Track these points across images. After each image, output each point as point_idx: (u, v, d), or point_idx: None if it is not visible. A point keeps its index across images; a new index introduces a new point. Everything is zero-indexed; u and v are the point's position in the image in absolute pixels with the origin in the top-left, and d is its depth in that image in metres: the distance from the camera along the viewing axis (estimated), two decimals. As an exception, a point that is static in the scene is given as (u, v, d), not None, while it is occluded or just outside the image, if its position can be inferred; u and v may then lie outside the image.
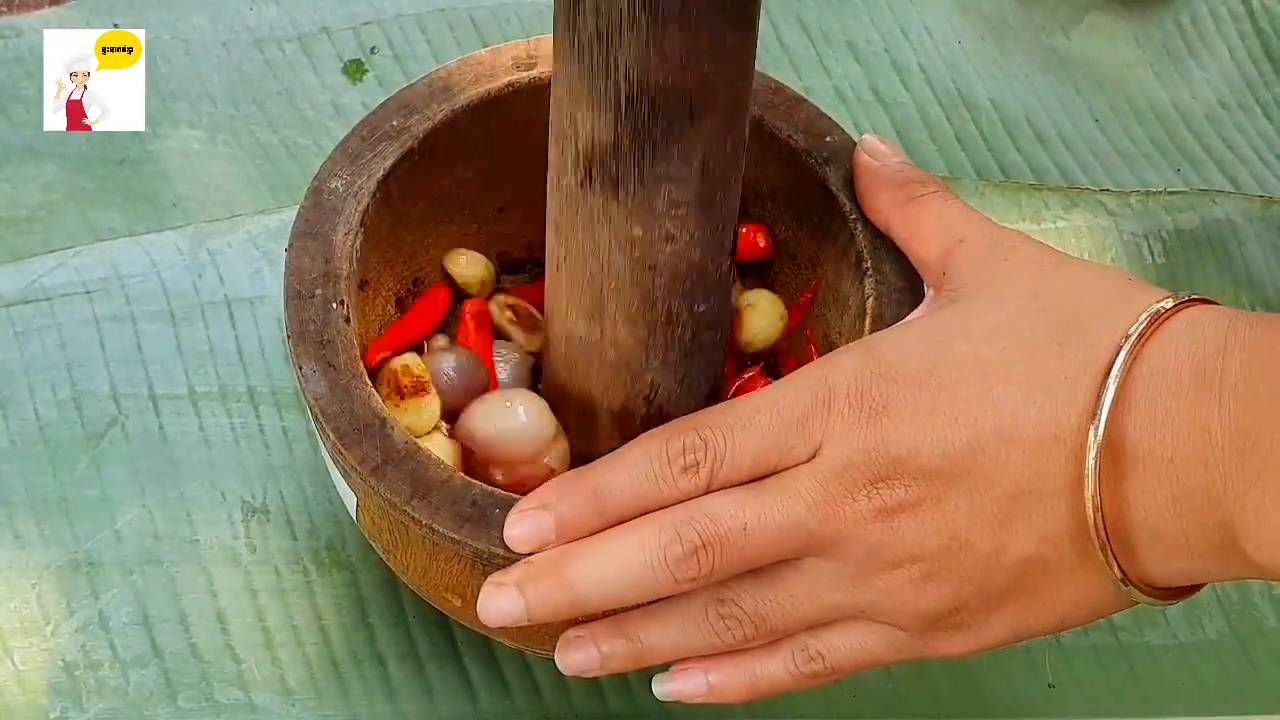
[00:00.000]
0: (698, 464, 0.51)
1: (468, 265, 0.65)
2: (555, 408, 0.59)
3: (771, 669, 0.54)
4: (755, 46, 0.51)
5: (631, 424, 0.58)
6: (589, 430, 0.59)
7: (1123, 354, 0.49)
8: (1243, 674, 0.71)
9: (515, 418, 0.58)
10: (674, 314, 0.55)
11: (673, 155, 0.50)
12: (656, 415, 0.58)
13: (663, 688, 0.56)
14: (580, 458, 0.58)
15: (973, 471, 0.50)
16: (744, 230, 0.65)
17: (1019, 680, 0.69)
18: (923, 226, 0.57)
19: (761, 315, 0.64)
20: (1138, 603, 0.51)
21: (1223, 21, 0.91)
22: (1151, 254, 0.81)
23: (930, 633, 0.53)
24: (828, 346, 0.62)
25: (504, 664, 0.67)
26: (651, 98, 0.49)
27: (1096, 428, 0.48)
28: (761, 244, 0.65)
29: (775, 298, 0.65)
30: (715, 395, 0.60)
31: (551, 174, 0.53)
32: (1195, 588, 0.52)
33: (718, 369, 0.59)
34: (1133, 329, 0.49)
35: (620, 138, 0.50)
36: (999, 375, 0.50)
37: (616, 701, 0.67)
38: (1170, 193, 0.83)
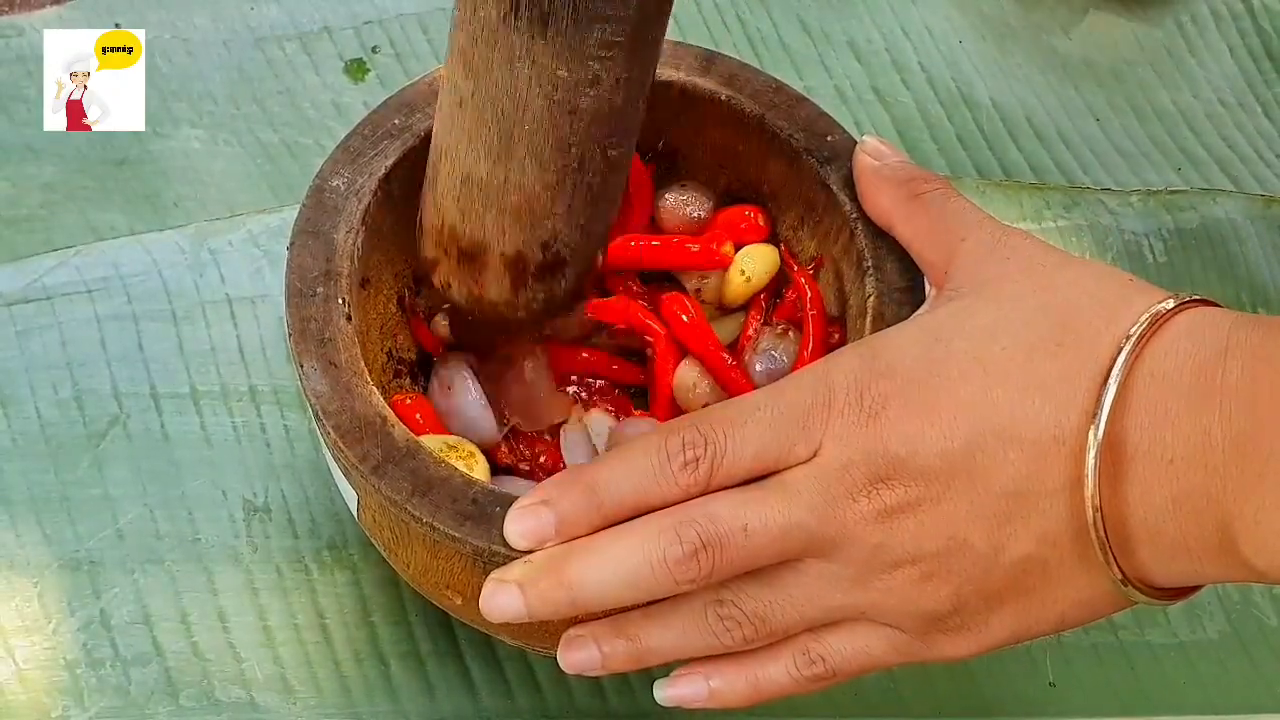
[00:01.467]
0: (698, 460, 0.51)
1: None
2: (441, 249, 0.57)
3: (772, 672, 0.54)
4: None
5: (525, 270, 0.56)
6: (477, 274, 0.57)
7: (1123, 354, 0.49)
8: (1243, 673, 0.71)
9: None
10: (587, 159, 0.52)
11: None
12: (553, 262, 0.56)
13: (664, 692, 0.56)
14: (468, 301, 0.57)
15: (971, 471, 0.50)
16: (744, 212, 0.64)
17: (1020, 679, 0.69)
18: (925, 225, 0.57)
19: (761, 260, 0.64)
20: (1137, 603, 0.51)
21: (1223, 21, 0.91)
22: (1152, 253, 0.81)
23: (931, 634, 0.53)
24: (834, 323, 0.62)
25: (505, 662, 0.67)
26: None
27: (1097, 428, 0.48)
28: (761, 223, 0.64)
29: (769, 247, 0.64)
30: (609, 231, 0.58)
31: (465, 1, 0.50)
32: (1195, 589, 0.52)
33: (616, 212, 0.56)
34: (1133, 330, 0.49)
35: None
36: (998, 375, 0.50)
37: (617, 700, 0.67)
38: (1171, 192, 0.83)
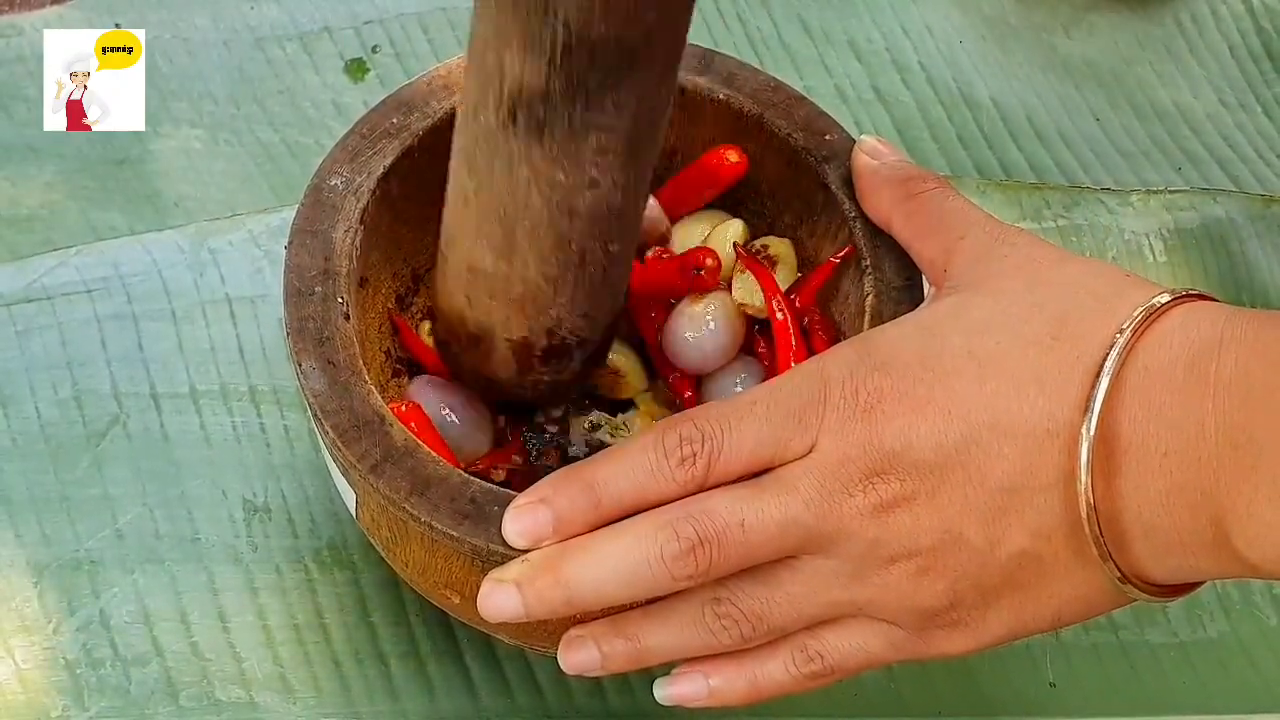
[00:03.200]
0: (695, 455, 0.51)
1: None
2: (448, 331, 0.58)
3: (771, 670, 0.54)
4: None
5: (530, 353, 0.57)
6: (485, 357, 0.58)
7: (1116, 348, 0.49)
8: (1244, 673, 0.71)
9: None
10: (587, 255, 0.53)
11: (606, 105, 0.48)
12: (560, 347, 0.57)
13: (664, 691, 0.56)
14: (475, 380, 0.58)
15: (966, 465, 0.50)
16: (722, 152, 0.63)
17: (1020, 679, 0.69)
18: (924, 224, 0.57)
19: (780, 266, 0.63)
20: (1135, 600, 0.51)
21: (1223, 20, 0.91)
22: (1152, 252, 0.81)
23: (928, 630, 0.53)
24: (836, 337, 0.62)
25: (505, 662, 0.67)
26: (591, 49, 0.46)
27: (1089, 421, 0.48)
28: (734, 159, 0.63)
29: (787, 243, 0.63)
30: (619, 319, 0.58)
31: (467, 104, 0.50)
32: (1192, 586, 0.52)
33: (621, 300, 0.57)
34: (1127, 323, 0.49)
35: (551, 86, 0.47)
36: (993, 368, 0.50)
37: (617, 700, 0.67)
38: (1171, 191, 0.83)
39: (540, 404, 0.62)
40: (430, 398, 0.61)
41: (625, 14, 0.45)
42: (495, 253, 0.53)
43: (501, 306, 0.55)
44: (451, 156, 0.53)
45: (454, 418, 0.61)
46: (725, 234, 0.63)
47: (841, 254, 0.61)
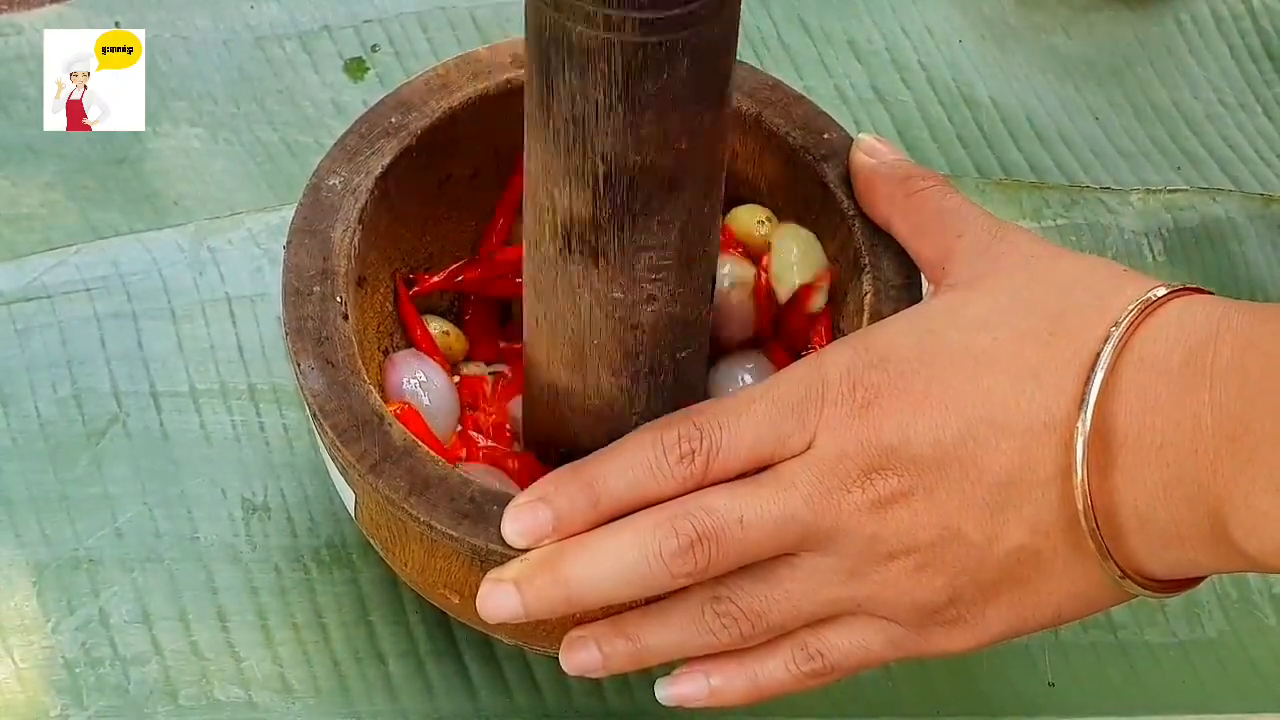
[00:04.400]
0: (694, 453, 0.51)
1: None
2: (539, 450, 0.60)
3: (771, 669, 0.54)
4: (730, 116, 0.52)
5: None
6: None
7: (1111, 341, 0.49)
8: (1243, 673, 0.71)
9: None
10: (656, 365, 0.55)
11: (652, 226, 0.50)
12: None
13: (664, 691, 0.56)
14: None
15: (964, 460, 0.50)
16: None
17: (1019, 678, 0.69)
18: (922, 222, 0.57)
19: (799, 254, 0.62)
20: (1134, 596, 0.51)
21: (1223, 20, 0.91)
22: (1152, 252, 0.81)
23: (927, 627, 0.53)
24: (834, 336, 0.62)
25: (504, 662, 0.67)
26: (630, 177, 0.49)
27: (1084, 415, 0.48)
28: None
29: (810, 235, 0.63)
30: None
31: (528, 238, 0.53)
32: (1192, 581, 0.52)
33: (698, 394, 0.59)
34: (1122, 317, 0.49)
35: (599, 213, 0.50)
36: (989, 364, 0.50)
37: (616, 699, 0.67)
38: (1171, 191, 0.83)
39: None
40: (405, 371, 0.61)
41: (657, 144, 0.48)
42: (569, 369, 0.55)
43: (581, 419, 0.57)
44: (523, 283, 0.56)
45: (427, 398, 0.61)
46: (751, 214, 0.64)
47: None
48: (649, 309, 0.53)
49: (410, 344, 0.63)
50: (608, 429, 0.56)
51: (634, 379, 0.55)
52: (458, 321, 0.65)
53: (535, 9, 0.47)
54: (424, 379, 0.61)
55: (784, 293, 0.62)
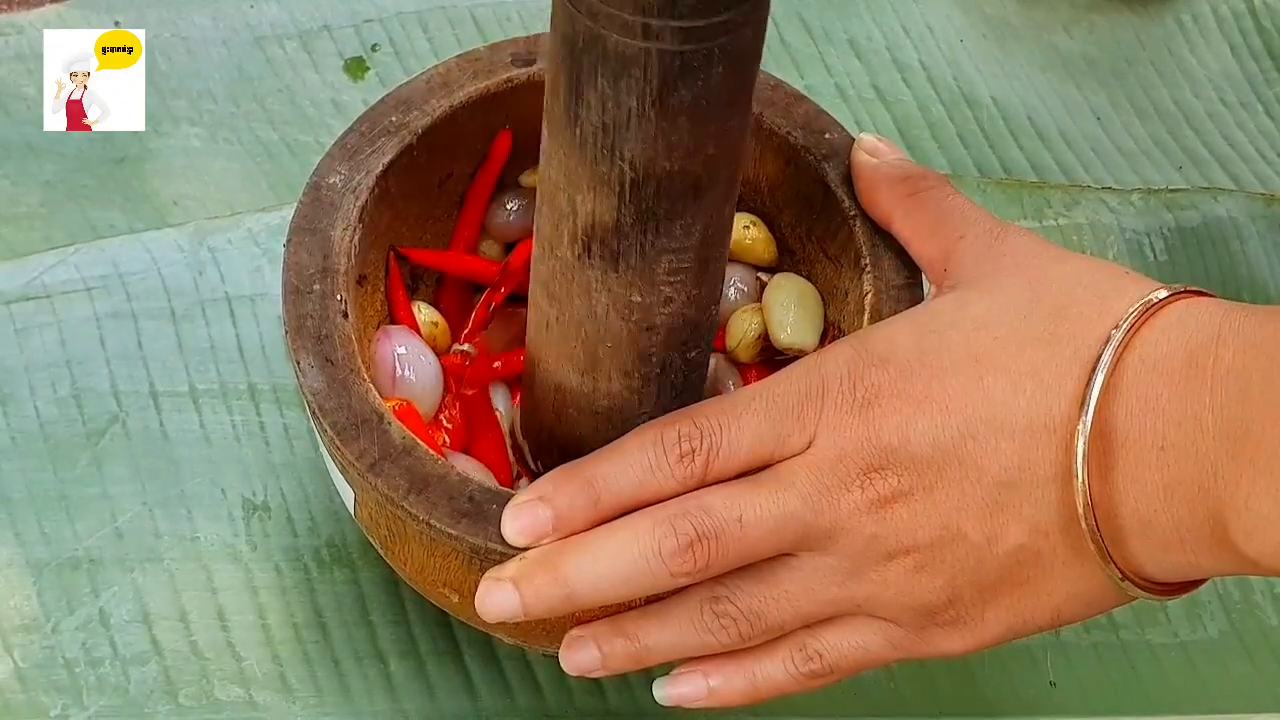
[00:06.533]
0: (694, 452, 0.51)
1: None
2: (539, 450, 0.60)
3: (770, 670, 0.54)
4: (751, 118, 0.51)
5: None
6: None
7: (1113, 342, 0.49)
8: (1244, 673, 0.71)
9: None
10: (668, 365, 0.55)
11: (675, 231, 0.50)
12: None
13: (663, 692, 0.56)
14: None
15: (963, 460, 0.50)
16: None
17: (1020, 678, 0.69)
18: (924, 222, 0.57)
19: (796, 309, 0.62)
20: (1134, 598, 0.51)
21: (1224, 19, 0.91)
22: (1153, 251, 0.81)
23: (927, 628, 0.53)
24: (834, 336, 0.62)
25: (505, 662, 0.67)
26: (657, 183, 0.48)
27: (1085, 416, 0.48)
28: None
29: (808, 285, 0.63)
30: None
31: (543, 242, 0.53)
32: (1192, 584, 0.52)
33: (700, 394, 0.58)
34: (1124, 319, 0.49)
35: (623, 219, 0.49)
36: (989, 364, 0.50)
37: (617, 699, 0.67)
38: (1172, 190, 0.83)
39: None
40: (389, 346, 0.60)
41: (687, 150, 0.47)
42: (579, 371, 0.55)
43: (589, 419, 0.56)
44: (530, 284, 0.55)
45: (411, 373, 0.60)
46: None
47: None
48: (665, 311, 0.52)
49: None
50: (616, 429, 0.56)
51: (645, 380, 0.55)
52: (433, 302, 0.65)
53: (567, 16, 0.46)
54: (413, 353, 0.61)
55: (778, 344, 0.62)
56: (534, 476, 0.60)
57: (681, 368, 0.55)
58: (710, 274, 0.53)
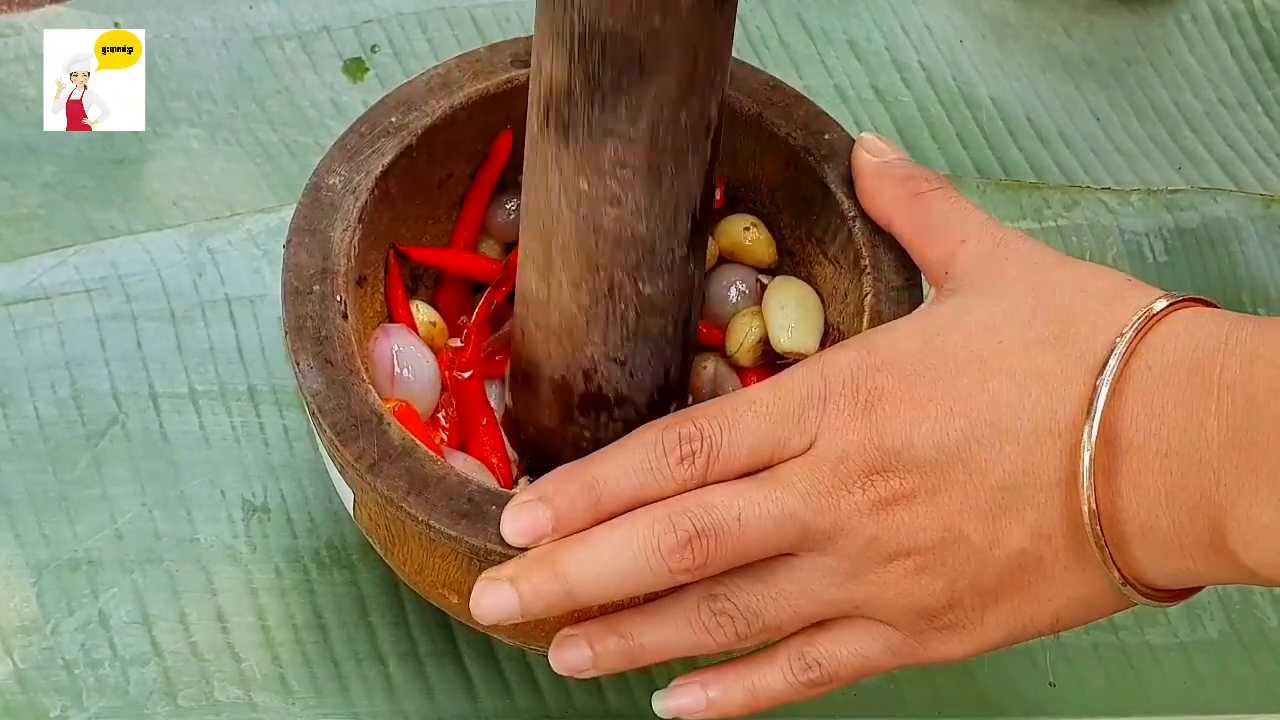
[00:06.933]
0: (694, 454, 0.51)
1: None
2: (514, 371, 0.60)
3: (769, 679, 0.54)
4: (722, 27, 0.52)
5: (570, 397, 0.57)
6: (533, 398, 0.59)
7: (1119, 348, 0.49)
8: (1244, 673, 0.71)
9: None
10: (616, 286, 0.54)
11: (620, 109, 0.50)
12: (596, 394, 0.57)
13: (662, 703, 0.56)
14: (525, 422, 0.59)
15: (967, 463, 0.50)
16: None
17: (1020, 679, 0.69)
18: (926, 225, 0.57)
19: (796, 314, 0.62)
20: (1134, 604, 0.51)
21: (1224, 20, 0.91)
22: (1153, 252, 0.81)
23: (926, 632, 0.53)
24: (835, 338, 0.62)
25: (504, 662, 0.67)
26: (602, 41, 0.49)
27: (1092, 421, 0.48)
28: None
29: (808, 288, 0.63)
30: (670, 394, 0.59)
31: (528, 121, 0.54)
32: (1190, 591, 0.52)
33: (668, 365, 0.58)
34: (1129, 325, 0.49)
35: (573, 81, 0.50)
36: (993, 367, 0.50)
37: (617, 700, 0.67)
38: (1171, 191, 0.83)
39: None
40: (388, 344, 0.60)
41: (629, 10, 0.48)
42: (538, 273, 0.55)
43: (544, 337, 0.56)
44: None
45: (409, 371, 0.60)
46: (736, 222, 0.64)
47: None
48: (611, 211, 0.52)
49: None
50: (565, 355, 0.56)
51: (593, 298, 0.54)
52: (431, 303, 0.65)
53: None
54: (411, 352, 0.61)
55: (778, 347, 0.62)
56: (518, 437, 0.61)
57: (633, 299, 0.55)
58: (662, 189, 0.52)
